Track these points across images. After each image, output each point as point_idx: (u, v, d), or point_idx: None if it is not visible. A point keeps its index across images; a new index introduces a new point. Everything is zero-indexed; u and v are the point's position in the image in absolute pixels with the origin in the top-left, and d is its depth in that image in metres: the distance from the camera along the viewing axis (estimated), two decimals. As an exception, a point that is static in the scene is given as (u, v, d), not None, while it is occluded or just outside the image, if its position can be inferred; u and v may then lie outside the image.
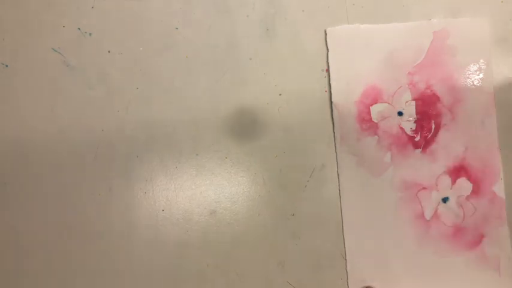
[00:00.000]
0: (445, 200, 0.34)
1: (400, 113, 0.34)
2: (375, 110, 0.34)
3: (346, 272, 0.34)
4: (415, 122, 0.34)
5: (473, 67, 0.35)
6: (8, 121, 0.33)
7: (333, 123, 0.34)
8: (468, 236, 0.34)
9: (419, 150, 0.34)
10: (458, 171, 0.34)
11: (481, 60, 0.35)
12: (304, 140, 0.34)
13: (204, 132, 0.34)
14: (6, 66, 0.33)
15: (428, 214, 0.34)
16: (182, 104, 0.34)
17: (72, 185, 0.33)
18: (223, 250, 0.34)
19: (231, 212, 0.34)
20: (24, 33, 0.34)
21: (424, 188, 0.34)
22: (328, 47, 0.34)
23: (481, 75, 0.34)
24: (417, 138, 0.34)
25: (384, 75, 0.34)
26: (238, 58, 0.34)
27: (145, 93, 0.34)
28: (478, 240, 0.34)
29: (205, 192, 0.34)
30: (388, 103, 0.34)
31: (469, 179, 0.34)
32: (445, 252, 0.34)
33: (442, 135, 0.34)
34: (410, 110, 0.34)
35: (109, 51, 0.34)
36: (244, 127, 0.34)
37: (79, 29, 0.34)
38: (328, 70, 0.34)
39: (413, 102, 0.34)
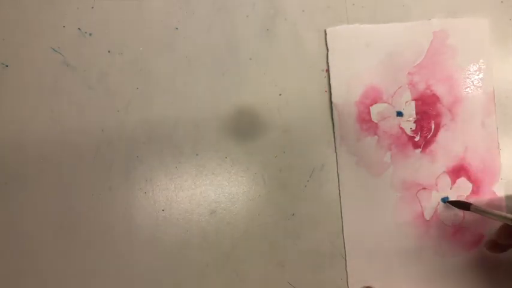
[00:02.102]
0: (445, 200, 0.34)
1: (400, 113, 0.34)
2: (375, 110, 0.34)
3: (346, 272, 0.34)
4: (415, 122, 0.34)
5: (473, 67, 0.35)
6: (8, 121, 0.33)
7: (333, 123, 0.34)
8: (468, 236, 0.34)
9: (419, 150, 0.34)
10: (458, 171, 0.34)
11: (481, 60, 0.35)
12: (304, 140, 0.34)
13: (204, 132, 0.34)
14: (6, 66, 0.33)
15: (428, 214, 0.34)
16: (182, 104, 0.34)
17: (72, 184, 0.33)
18: (223, 250, 0.34)
19: (231, 212, 0.34)
20: (24, 33, 0.34)
21: (423, 188, 0.34)
22: (328, 47, 0.34)
23: (481, 75, 0.35)
24: (417, 138, 0.34)
25: (384, 75, 0.34)
26: (238, 58, 0.34)
27: (145, 93, 0.34)
28: (478, 240, 0.34)
29: (205, 192, 0.34)
30: (388, 103, 0.34)
31: (469, 179, 0.34)
32: (445, 252, 0.34)
33: (442, 135, 0.34)
34: (410, 110, 0.34)
35: (109, 51, 0.34)
36: (244, 127, 0.34)
37: (79, 29, 0.34)
38: (328, 70, 0.34)
39: (413, 102, 0.34)
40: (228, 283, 0.33)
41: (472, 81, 0.35)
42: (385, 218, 0.34)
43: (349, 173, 0.34)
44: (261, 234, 0.34)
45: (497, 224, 0.33)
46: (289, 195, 0.34)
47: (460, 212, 0.34)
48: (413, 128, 0.34)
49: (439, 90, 0.34)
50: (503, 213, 0.29)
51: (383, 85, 0.34)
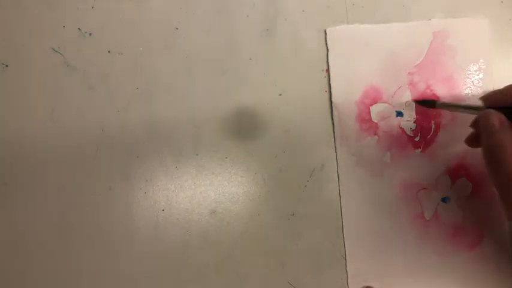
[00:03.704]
0: (445, 200, 0.34)
1: (400, 113, 0.34)
2: (375, 110, 0.34)
3: (346, 272, 0.34)
4: (415, 122, 0.34)
5: (473, 67, 0.35)
6: (8, 121, 0.33)
7: (333, 123, 0.34)
8: (468, 236, 0.34)
9: (419, 150, 0.34)
10: (458, 171, 0.34)
11: (481, 60, 0.35)
12: (304, 140, 0.34)
13: (204, 132, 0.34)
14: (6, 66, 0.33)
15: (428, 214, 0.34)
16: (182, 104, 0.34)
17: (72, 185, 0.33)
18: (223, 250, 0.34)
19: (231, 212, 0.34)
20: (24, 33, 0.34)
21: (424, 188, 0.34)
22: (328, 47, 0.34)
23: (481, 75, 0.35)
24: (417, 138, 0.34)
25: (384, 75, 0.34)
26: (238, 58, 0.34)
27: (145, 93, 0.34)
28: (478, 240, 0.34)
29: (205, 192, 0.34)
30: (388, 103, 0.34)
31: (469, 179, 0.34)
32: (445, 252, 0.34)
33: (442, 135, 0.34)
34: (410, 110, 0.34)
35: (109, 51, 0.34)
36: (244, 127, 0.34)
37: (79, 29, 0.34)
38: (328, 70, 0.34)
39: (413, 102, 0.34)
40: (228, 283, 0.33)
41: (472, 81, 0.35)
42: (385, 218, 0.34)
43: (349, 173, 0.34)
44: (261, 234, 0.34)
45: (497, 224, 0.33)
46: (289, 195, 0.34)
47: (460, 212, 0.34)
48: (413, 128, 0.34)
49: (439, 90, 0.34)
50: (468, 104, 0.28)
51: (383, 85, 0.34)
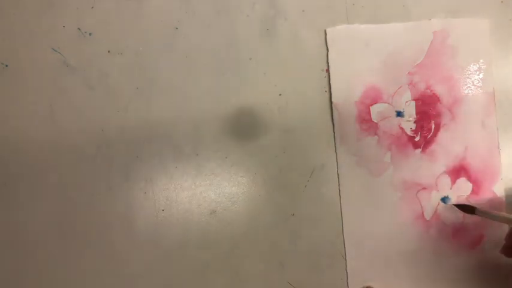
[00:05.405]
0: (445, 200, 0.34)
1: (400, 113, 0.34)
2: (375, 110, 0.34)
3: (346, 272, 0.34)
4: (415, 122, 0.34)
5: (473, 67, 0.35)
6: (8, 121, 0.33)
7: (333, 123, 0.34)
8: (468, 236, 0.34)
9: (419, 150, 0.34)
10: (458, 171, 0.34)
11: (481, 60, 0.35)
12: (304, 140, 0.34)
13: (204, 132, 0.34)
14: (6, 66, 0.33)
15: (428, 214, 0.34)
16: (182, 104, 0.34)
17: (72, 185, 0.33)
18: (223, 250, 0.34)
19: (231, 212, 0.34)
20: (24, 33, 0.34)
21: (424, 188, 0.34)
22: (328, 47, 0.34)
23: (481, 75, 0.35)
24: (417, 138, 0.34)
25: (384, 75, 0.34)
26: (238, 58, 0.34)
27: (145, 93, 0.34)
28: (478, 240, 0.34)
29: (205, 192, 0.34)
30: (388, 103, 0.34)
31: (469, 179, 0.34)
32: (445, 252, 0.34)
33: (442, 135, 0.34)
34: (410, 110, 0.34)
35: (109, 51, 0.34)
36: (244, 127, 0.34)
37: (79, 29, 0.34)
38: (328, 70, 0.34)
39: (413, 102, 0.34)
40: (228, 283, 0.33)
41: (472, 81, 0.35)
42: (385, 218, 0.34)
43: (349, 173, 0.34)
44: (261, 234, 0.34)
45: (497, 224, 0.33)
46: (289, 195, 0.34)
47: (460, 212, 0.34)
48: (413, 128, 0.34)
49: (439, 90, 0.34)
50: (509, 215, 0.29)
51: (383, 85, 0.34)
